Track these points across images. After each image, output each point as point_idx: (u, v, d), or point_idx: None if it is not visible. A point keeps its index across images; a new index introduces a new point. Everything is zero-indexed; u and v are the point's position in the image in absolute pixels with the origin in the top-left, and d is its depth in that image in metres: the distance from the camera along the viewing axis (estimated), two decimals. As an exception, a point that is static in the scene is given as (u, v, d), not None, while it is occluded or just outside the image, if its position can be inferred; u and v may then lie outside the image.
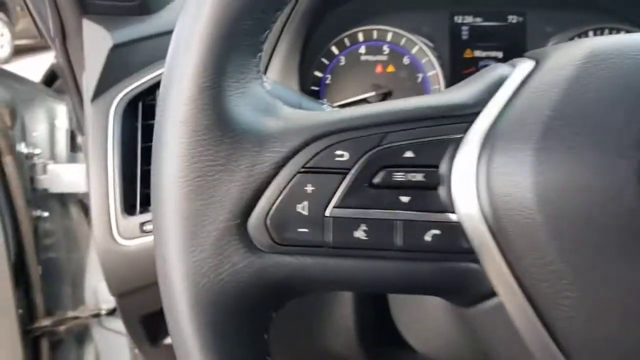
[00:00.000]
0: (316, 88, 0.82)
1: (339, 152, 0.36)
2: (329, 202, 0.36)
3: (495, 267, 0.34)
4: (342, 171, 0.36)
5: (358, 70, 0.82)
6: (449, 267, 0.36)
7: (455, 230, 0.35)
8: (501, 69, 0.38)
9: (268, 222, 0.36)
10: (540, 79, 0.35)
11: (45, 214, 1.30)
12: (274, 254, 0.36)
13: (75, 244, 1.40)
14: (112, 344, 1.35)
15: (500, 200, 0.33)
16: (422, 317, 0.62)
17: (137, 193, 0.77)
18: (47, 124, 1.33)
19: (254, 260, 0.36)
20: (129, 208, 0.75)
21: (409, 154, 0.36)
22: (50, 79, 1.44)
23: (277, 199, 0.36)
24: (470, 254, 0.35)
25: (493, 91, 0.37)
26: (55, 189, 1.29)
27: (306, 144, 0.36)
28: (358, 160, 0.36)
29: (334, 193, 0.36)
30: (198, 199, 0.35)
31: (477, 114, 0.36)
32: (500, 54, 0.83)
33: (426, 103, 0.37)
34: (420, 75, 0.82)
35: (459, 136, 0.36)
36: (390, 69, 0.82)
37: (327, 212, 0.36)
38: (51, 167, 1.30)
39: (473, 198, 0.35)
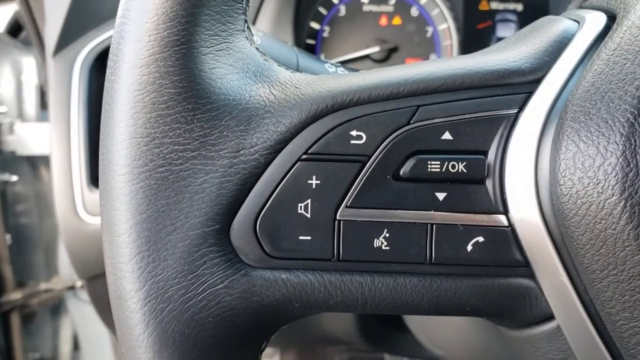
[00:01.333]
0: (312, 42, 0.77)
1: (354, 133, 0.30)
2: (340, 201, 0.30)
3: (555, 286, 0.30)
4: (359, 158, 0.30)
5: (360, 22, 0.77)
6: (496, 285, 0.31)
7: (504, 238, 0.30)
8: (562, 23, 0.33)
9: (258, 227, 0.30)
10: (626, 37, 0.30)
11: (14, 177, 1.26)
12: (265, 269, 0.30)
13: (48, 210, 1.37)
14: (89, 316, 1.32)
15: (571, 200, 0.28)
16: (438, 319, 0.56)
17: None
18: (13, 78, 1.29)
19: (239, 278, 0.29)
20: (95, 180, 0.70)
21: (447, 136, 0.30)
22: (16, 28, 1.37)
23: (270, 196, 0.30)
24: (523, 267, 0.31)
25: (556, 52, 0.32)
26: (24, 150, 1.25)
27: (311, 121, 0.30)
28: (380, 143, 0.30)
29: (348, 188, 0.30)
30: (160, 197, 0.29)
31: (537, 82, 0.31)
32: (519, 7, 0.78)
33: (469, 67, 0.31)
34: (430, 29, 0.77)
35: (512, 112, 0.31)
36: (397, 21, 0.77)
37: (338, 214, 0.30)
38: (19, 126, 1.25)
39: (531, 196, 0.30)
